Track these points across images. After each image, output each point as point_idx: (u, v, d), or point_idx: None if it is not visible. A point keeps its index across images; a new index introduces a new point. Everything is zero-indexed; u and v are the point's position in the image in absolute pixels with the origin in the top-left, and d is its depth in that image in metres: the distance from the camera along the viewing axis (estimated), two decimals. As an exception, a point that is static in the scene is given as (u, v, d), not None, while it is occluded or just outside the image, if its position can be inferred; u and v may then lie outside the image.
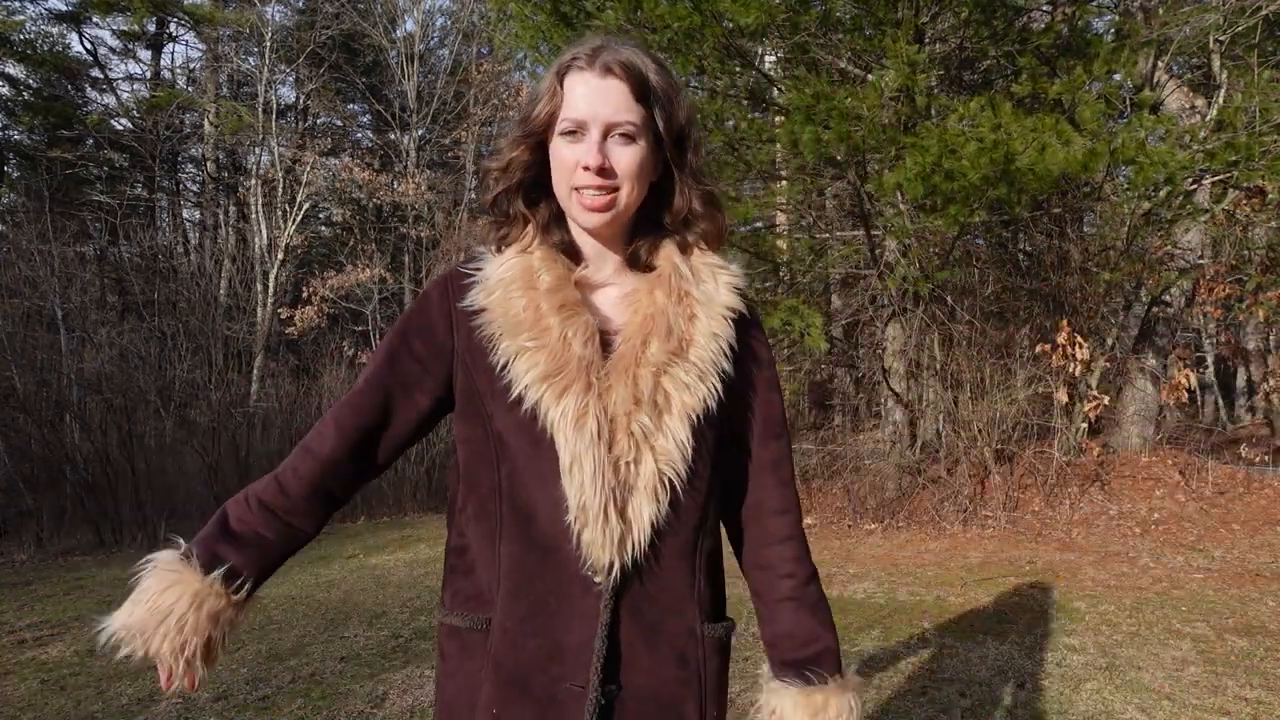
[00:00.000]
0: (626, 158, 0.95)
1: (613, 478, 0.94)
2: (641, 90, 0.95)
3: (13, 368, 8.74)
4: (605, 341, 1.00)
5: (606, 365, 0.97)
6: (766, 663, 1.06)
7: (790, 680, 1.02)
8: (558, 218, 1.04)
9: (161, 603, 0.97)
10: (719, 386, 0.99)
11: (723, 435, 1.04)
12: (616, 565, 0.94)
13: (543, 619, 0.97)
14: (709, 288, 1.03)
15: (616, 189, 0.96)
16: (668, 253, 1.04)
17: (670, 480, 0.96)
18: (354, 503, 9.16)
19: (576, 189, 0.96)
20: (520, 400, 0.96)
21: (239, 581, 1.01)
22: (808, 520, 7.06)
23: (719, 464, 1.04)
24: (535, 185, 1.03)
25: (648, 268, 1.04)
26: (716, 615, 1.05)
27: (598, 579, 0.95)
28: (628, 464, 0.95)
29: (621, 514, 0.94)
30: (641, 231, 1.05)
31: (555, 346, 0.96)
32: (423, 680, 3.31)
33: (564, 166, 0.96)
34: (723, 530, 1.10)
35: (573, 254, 1.04)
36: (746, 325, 1.05)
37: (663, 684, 0.98)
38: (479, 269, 1.04)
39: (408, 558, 6.13)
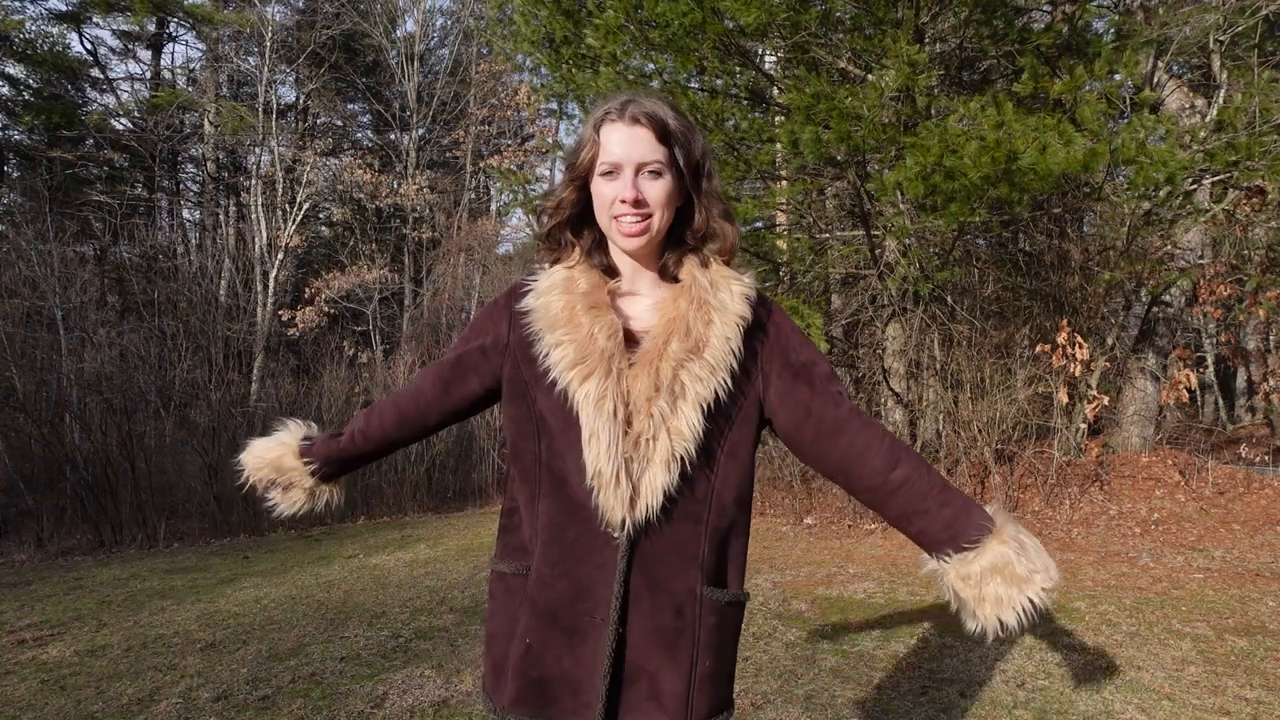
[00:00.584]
0: (655, 190, 1.17)
1: (629, 450, 1.14)
2: (663, 133, 1.16)
3: (13, 368, 8.74)
4: (634, 339, 1.21)
5: (633, 358, 1.18)
6: (951, 552, 1.19)
7: (978, 543, 1.18)
8: (599, 244, 1.27)
9: (266, 454, 1.41)
10: (728, 380, 1.19)
11: (740, 420, 1.22)
12: (629, 523, 1.14)
13: (570, 564, 1.18)
14: (724, 297, 1.22)
15: (649, 216, 1.17)
16: (690, 267, 1.24)
17: (681, 455, 1.14)
18: (354, 502, 9.16)
19: (616, 218, 1.17)
20: (555, 384, 1.18)
21: (312, 464, 1.40)
22: (808, 520, 7.06)
23: (736, 447, 1.22)
24: (579, 218, 1.26)
25: (674, 279, 1.25)
26: (718, 581, 1.22)
27: (615, 534, 1.15)
28: (647, 440, 1.14)
29: (635, 481, 1.14)
30: (669, 248, 1.26)
31: (583, 340, 1.17)
32: (422, 680, 3.31)
33: (604, 201, 1.18)
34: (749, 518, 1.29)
35: (611, 273, 1.26)
36: (762, 323, 1.24)
37: (660, 628, 1.17)
38: (535, 279, 1.28)
39: (408, 558, 6.14)
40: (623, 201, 1.15)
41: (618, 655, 1.16)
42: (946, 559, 1.18)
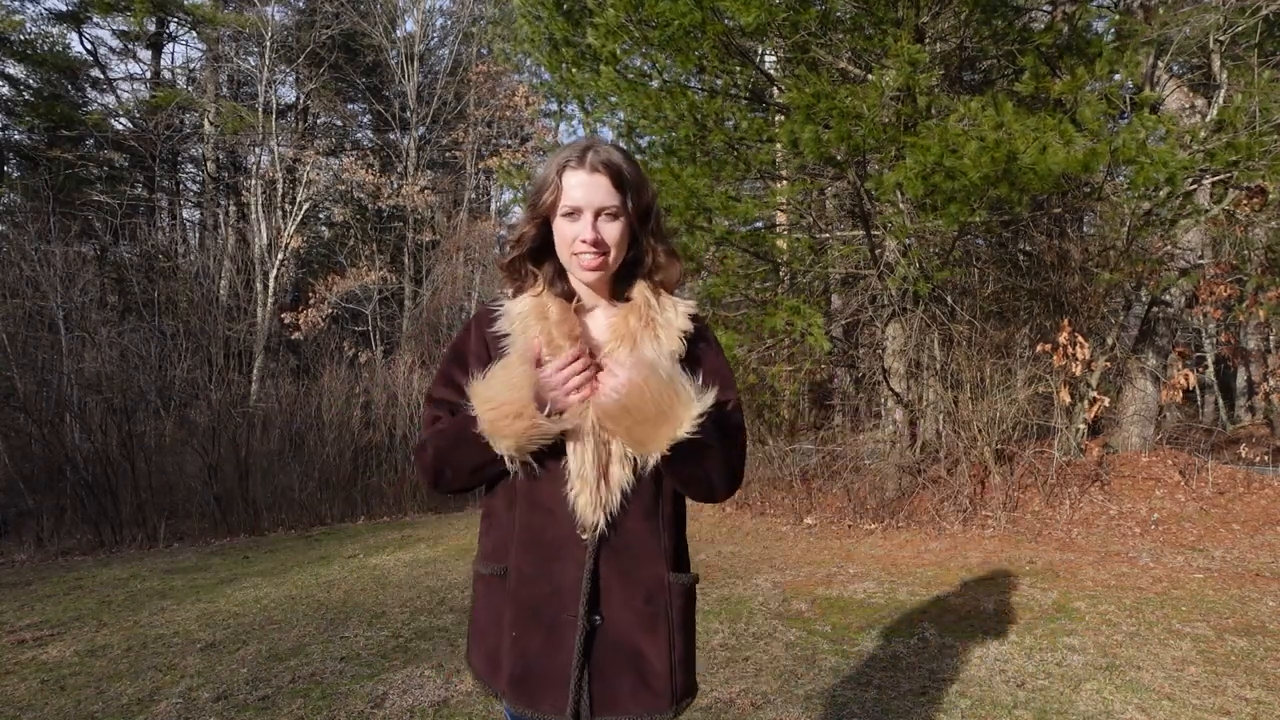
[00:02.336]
0: (611, 231, 1.33)
1: (600, 453, 1.29)
2: (619, 181, 1.32)
3: (13, 368, 8.74)
4: (595, 352, 1.36)
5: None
6: None
7: None
8: (560, 273, 1.41)
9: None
10: None
11: None
12: (601, 522, 1.29)
13: (545, 564, 1.32)
14: (670, 315, 1.40)
15: (606, 253, 1.33)
16: (640, 289, 1.41)
17: (630, 457, 1.29)
18: (354, 502, 9.16)
19: (576, 254, 1.33)
20: None
21: None
22: (808, 520, 7.06)
23: None
24: (538, 251, 1.40)
25: (626, 299, 1.42)
26: (679, 566, 1.38)
27: (584, 535, 1.30)
28: (605, 442, 1.30)
29: (607, 482, 1.29)
30: (622, 278, 1.42)
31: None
32: (422, 680, 3.31)
33: (565, 240, 1.34)
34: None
35: (570, 299, 1.41)
36: (696, 341, 1.41)
37: (634, 615, 1.31)
38: (500, 306, 1.42)
39: (408, 558, 6.14)
40: (583, 241, 1.31)
41: (598, 644, 1.30)
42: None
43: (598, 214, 1.31)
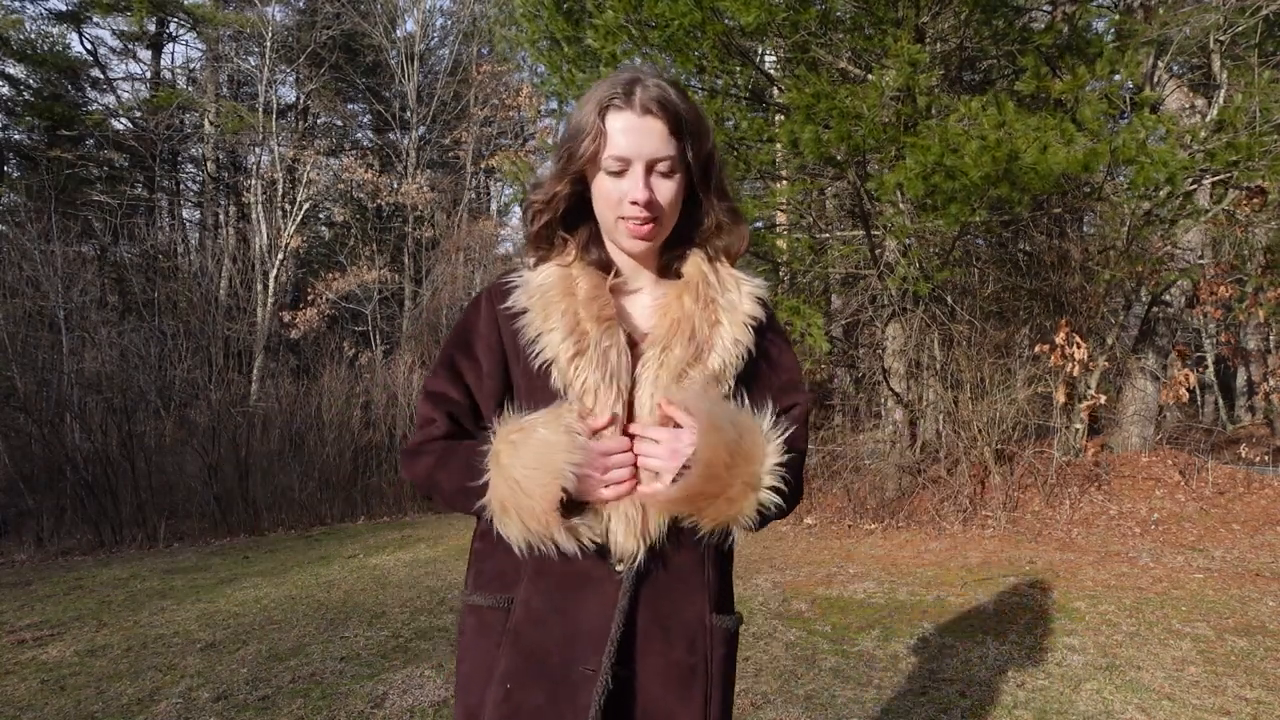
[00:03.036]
0: (667, 190, 1.06)
1: (636, 470, 1.04)
2: (676, 125, 1.05)
3: (14, 368, 8.74)
4: (633, 344, 1.10)
5: (635, 370, 1.08)
6: None
7: None
8: (595, 238, 1.15)
9: None
10: (732, 386, 1.10)
11: None
12: (641, 552, 1.03)
13: (562, 599, 1.05)
14: (733, 296, 1.14)
15: (659, 216, 1.06)
16: (696, 261, 1.15)
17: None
18: (354, 502, 9.16)
19: (623, 218, 1.06)
20: (556, 396, 1.06)
21: None
22: (808, 520, 7.06)
23: None
24: (572, 212, 1.14)
25: (677, 274, 1.15)
26: (724, 607, 1.13)
27: (619, 566, 1.04)
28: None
29: (644, 505, 1.04)
30: (671, 245, 1.15)
31: (592, 354, 1.06)
32: (422, 680, 3.31)
33: (609, 200, 1.06)
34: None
35: (607, 269, 1.15)
36: (763, 331, 1.15)
37: (672, 668, 1.05)
38: (519, 276, 1.15)
39: (408, 558, 6.14)
40: (634, 203, 1.04)
41: (624, 704, 1.03)
42: None
43: (650, 167, 1.04)
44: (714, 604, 1.10)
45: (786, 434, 1.07)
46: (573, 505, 1.02)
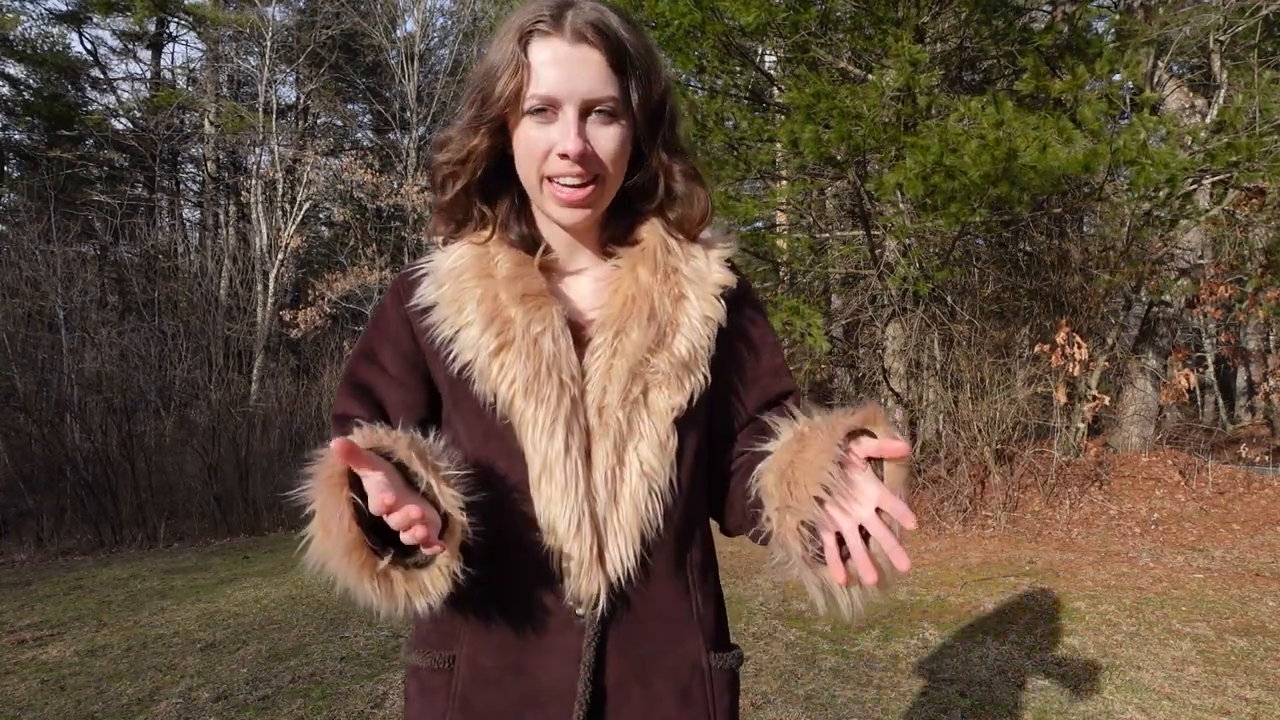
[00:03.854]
0: (608, 140, 0.82)
1: (590, 489, 0.84)
2: (619, 58, 0.82)
3: (13, 368, 8.74)
4: (578, 330, 0.88)
5: (582, 362, 0.86)
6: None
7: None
8: (518, 213, 0.91)
9: None
10: (708, 376, 0.88)
11: (712, 433, 0.94)
12: (602, 591, 0.83)
13: (516, 655, 0.86)
14: (699, 264, 0.91)
15: (598, 177, 0.83)
16: (652, 226, 0.91)
17: (657, 488, 0.85)
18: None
19: (549, 178, 0.83)
20: (483, 405, 0.86)
21: None
22: (808, 520, 7.04)
23: (705, 464, 0.94)
24: (491, 177, 0.89)
25: (630, 243, 0.92)
26: (721, 642, 0.93)
27: (580, 610, 0.84)
28: (607, 472, 0.84)
29: (600, 530, 0.84)
30: (617, 217, 0.92)
31: (521, 344, 0.84)
32: (423, 680, 3.31)
33: (533, 153, 0.82)
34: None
35: (532, 248, 0.91)
36: (738, 304, 0.93)
37: None
38: (429, 261, 0.93)
39: (408, 558, 6.13)
40: (562, 156, 0.80)
41: None
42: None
43: (585, 111, 0.81)
44: (709, 640, 0.90)
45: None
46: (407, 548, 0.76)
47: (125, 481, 7.73)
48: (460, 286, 0.88)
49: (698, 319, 0.88)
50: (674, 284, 0.89)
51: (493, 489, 0.84)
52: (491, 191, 0.90)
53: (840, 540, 0.75)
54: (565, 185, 0.83)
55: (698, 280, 0.90)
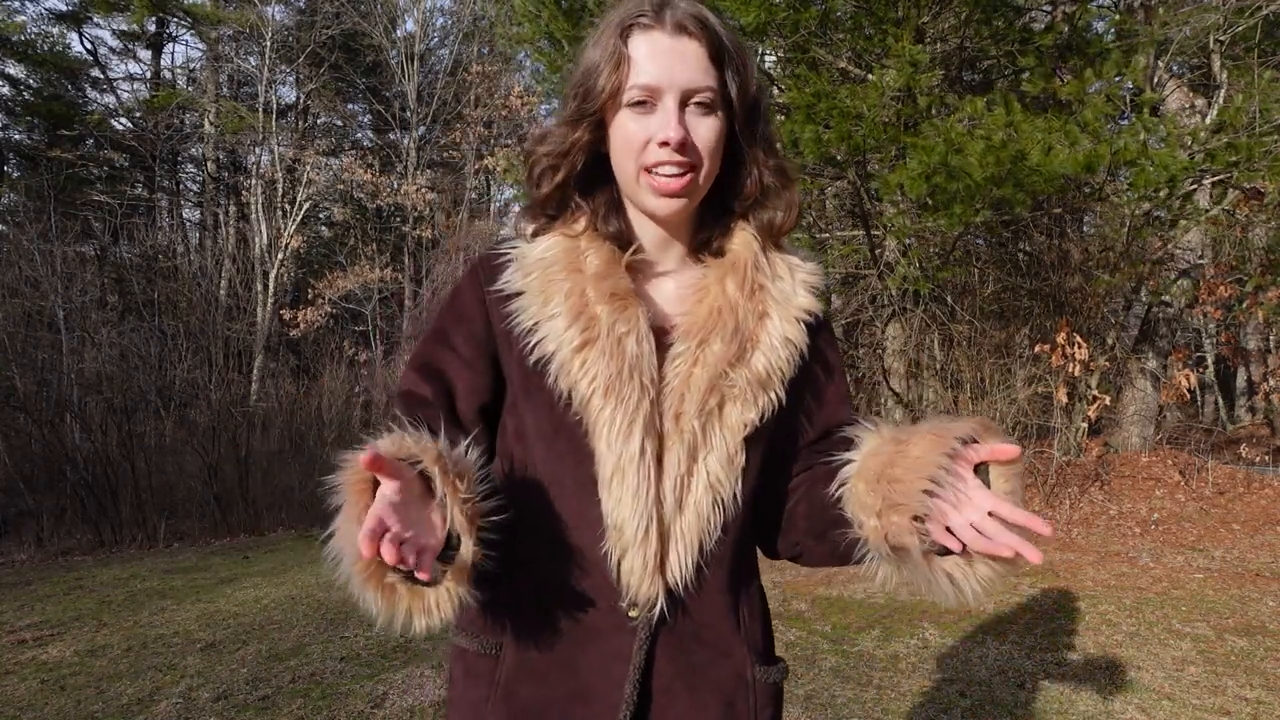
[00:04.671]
0: (707, 131, 0.83)
1: (659, 495, 0.84)
2: (717, 51, 0.83)
3: (13, 368, 8.74)
4: (661, 335, 0.88)
5: (663, 368, 0.87)
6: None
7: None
8: (613, 207, 0.91)
9: None
10: (782, 397, 0.89)
11: (778, 451, 0.95)
12: (659, 596, 0.84)
13: (566, 651, 0.87)
14: (785, 285, 0.92)
15: (695, 167, 0.84)
16: (745, 238, 0.92)
17: (721, 500, 0.86)
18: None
19: (648, 168, 0.83)
20: (558, 399, 0.86)
21: None
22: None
23: (767, 483, 0.95)
24: (589, 171, 0.90)
25: (718, 253, 0.92)
26: (767, 656, 0.95)
27: (633, 613, 0.85)
28: (677, 480, 0.85)
29: (665, 537, 0.85)
30: (709, 215, 0.92)
31: (604, 343, 0.84)
32: (422, 680, 3.31)
33: (632, 143, 0.83)
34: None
35: (624, 244, 0.91)
36: (817, 329, 0.95)
37: None
38: (513, 248, 0.93)
39: (408, 558, 6.13)
40: (663, 144, 0.81)
41: None
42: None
43: (684, 101, 0.82)
44: (756, 654, 0.92)
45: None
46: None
47: (125, 481, 7.73)
48: (549, 278, 0.88)
49: (778, 339, 0.89)
50: (759, 301, 0.90)
51: (558, 486, 0.86)
52: (587, 187, 0.91)
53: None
54: (662, 175, 0.83)
55: (783, 301, 0.91)
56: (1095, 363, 6.85)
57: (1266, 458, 8.08)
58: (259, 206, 15.46)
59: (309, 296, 14.84)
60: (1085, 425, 6.97)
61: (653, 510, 0.83)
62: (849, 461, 0.85)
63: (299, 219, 15.28)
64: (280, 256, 15.04)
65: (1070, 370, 6.56)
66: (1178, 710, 2.85)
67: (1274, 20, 7.50)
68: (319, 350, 11.76)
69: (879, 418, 0.91)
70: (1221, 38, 7.02)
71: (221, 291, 14.86)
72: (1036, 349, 6.86)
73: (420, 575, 0.70)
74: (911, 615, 4.11)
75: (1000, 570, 0.76)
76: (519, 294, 0.89)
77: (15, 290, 10.29)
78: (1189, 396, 7.91)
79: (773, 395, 0.88)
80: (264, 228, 15.27)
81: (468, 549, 0.74)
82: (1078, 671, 3.25)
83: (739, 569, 0.92)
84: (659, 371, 0.86)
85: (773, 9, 6.02)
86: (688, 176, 0.83)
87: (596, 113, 0.85)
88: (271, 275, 14.91)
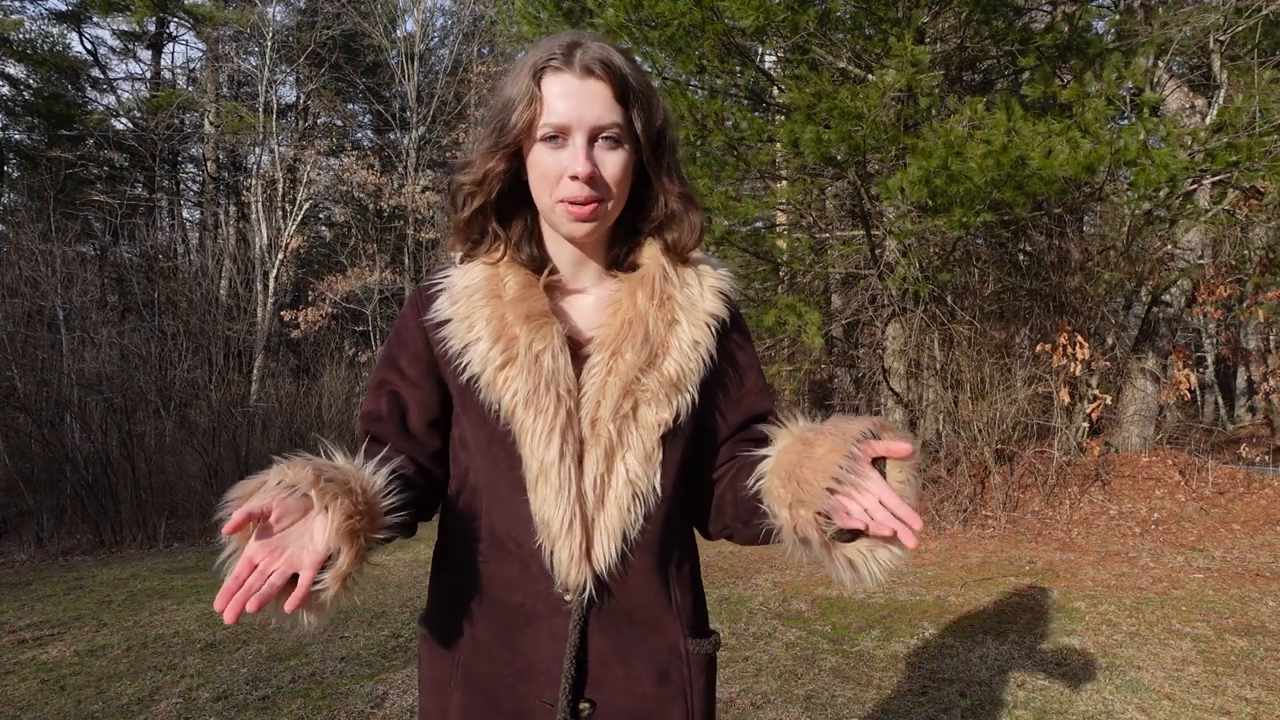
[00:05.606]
0: (613, 164, 0.93)
1: (581, 492, 0.94)
2: (622, 90, 0.92)
3: (13, 368, 8.74)
4: (578, 346, 0.98)
5: (580, 377, 0.96)
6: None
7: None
8: (530, 234, 1.02)
9: None
10: (695, 398, 0.98)
11: (696, 446, 1.02)
12: (588, 581, 0.94)
13: (511, 633, 0.97)
14: (693, 291, 1.01)
15: (603, 199, 0.93)
16: (653, 252, 1.02)
17: (640, 494, 0.95)
18: (354, 503, 9.14)
19: (562, 200, 0.92)
20: (489, 412, 0.96)
21: None
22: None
23: (690, 476, 1.03)
24: (507, 199, 0.99)
25: (630, 268, 1.02)
26: (699, 630, 1.04)
27: (568, 597, 0.95)
28: (597, 478, 0.94)
29: (589, 529, 0.94)
30: (621, 237, 1.03)
31: (523, 360, 0.94)
32: (423, 680, 3.31)
33: (547, 176, 0.93)
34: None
35: (540, 268, 1.01)
36: (727, 331, 1.03)
37: (640, 702, 0.97)
38: (446, 277, 1.03)
39: (408, 558, 6.13)
40: (574, 177, 0.90)
41: None
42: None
43: (593, 137, 0.91)
44: (687, 627, 1.01)
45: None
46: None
47: (125, 481, 7.72)
48: (472, 305, 0.99)
49: (688, 344, 0.98)
50: (668, 310, 0.99)
51: (494, 488, 0.97)
52: (505, 213, 1.01)
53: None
54: (574, 204, 0.92)
55: (690, 307, 1.00)
56: (1095, 362, 6.85)
57: (1266, 457, 8.08)
58: (259, 206, 15.46)
59: (309, 297, 14.85)
60: (1086, 425, 6.97)
61: (575, 506, 0.93)
62: (765, 457, 0.94)
63: (299, 219, 15.28)
64: (280, 256, 15.04)
65: (1071, 370, 6.56)
66: (1178, 710, 2.85)
67: (1274, 20, 7.50)
68: (319, 350, 11.76)
69: (791, 413, 0.98)
70: (1221, 38, 7.03)
71: (222, 291, 14.86)
72: (1037, 349, 6.86)
73: (287, 608, 0.80)
74: (911, 615, 4.11)
75: (899, 553, 0.87)
76: (448, 320, 1.00)
77: (15, 290, 10.29)
78: (1189, 396, 7.90)
79: (686, 395, 0.98)
80: (264, 228, 15.27)
81: (344, 560, 0.82)
82: (1078, 671, 3.25)
83: (667, 552, 1.00)
84: (577, 381, 0.96)
85: (772, 9, 6.02)
86: (596, 204, 0.92)
87: (511, 144, 0.94)
88: (272, 275, 14.91)
